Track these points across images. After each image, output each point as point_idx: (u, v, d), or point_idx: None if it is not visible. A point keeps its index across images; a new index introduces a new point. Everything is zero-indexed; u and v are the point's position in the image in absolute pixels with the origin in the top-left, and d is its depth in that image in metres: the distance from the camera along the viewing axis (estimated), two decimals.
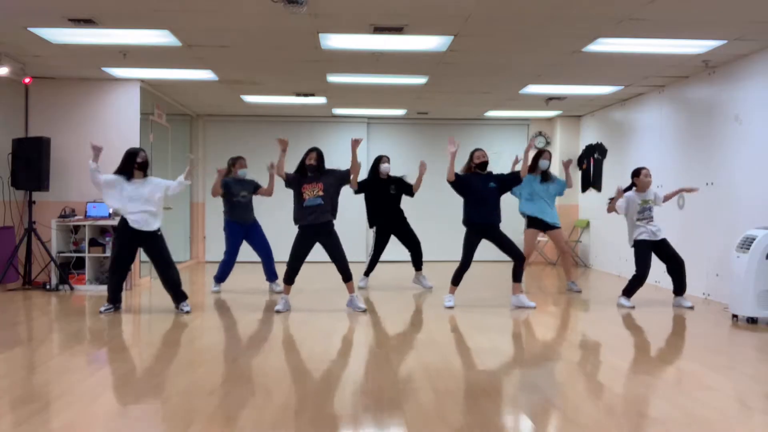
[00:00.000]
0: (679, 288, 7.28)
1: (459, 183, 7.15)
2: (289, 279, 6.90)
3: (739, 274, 6.41)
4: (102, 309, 6.78)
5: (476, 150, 7.28)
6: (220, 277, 8.38)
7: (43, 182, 8.37)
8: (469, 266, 7.18)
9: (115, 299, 6.85)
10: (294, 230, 7.08)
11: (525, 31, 6.51)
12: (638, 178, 7.27)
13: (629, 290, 7.33)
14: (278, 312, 6.79)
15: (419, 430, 3.48)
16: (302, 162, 6.88)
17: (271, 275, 8.37)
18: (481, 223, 7.11)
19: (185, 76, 8.76)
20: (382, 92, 9.85)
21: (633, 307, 7.22)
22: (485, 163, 7.20)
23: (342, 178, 6.86)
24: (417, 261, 8.65)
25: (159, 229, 6.82)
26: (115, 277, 6.85)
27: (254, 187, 8.23)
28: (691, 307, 7.17)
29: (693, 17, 5.97)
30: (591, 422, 3.63)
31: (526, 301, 7.21)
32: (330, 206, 6.75)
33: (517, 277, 7.25)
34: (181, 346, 5.59)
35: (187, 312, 6.80)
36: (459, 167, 7.35)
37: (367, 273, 8.78)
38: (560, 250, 8.72)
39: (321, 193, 6.67)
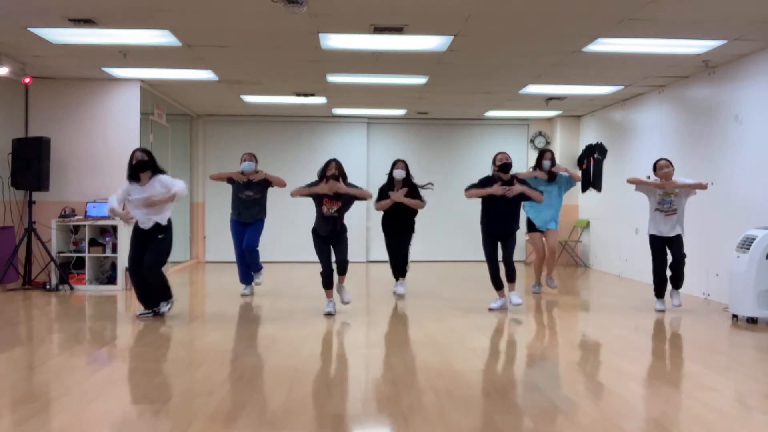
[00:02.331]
0: (675, 282, 7.09)
1: (477, 188, 7.00)
2: (325, 284, 6.72)
3: (739, 274, 6.41)
4: (138, 313, 6.53)
5: (498, 153, 7.06)
6: (242, 277, 8.06)
7: (43, 182, 8.37)
8: (497, 268, 7.01)
9: (147, 304, 6.53)
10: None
11: (525, 31, 6.51)
12: (655, 171, 7.04)
13: (655, 290, 7.12)
14: (330, 314, 6.62)
15: (419, 430, 3.48)
16: (324, 174, 6.64)
17: (253, 266, 8.03)
18: (495, 231, 7.01)
19: (185, 76, 8.76)
20: (382, 92, 9.84)
21: (663, 311, 6.98)
22: (507, 165, 6.93)
23: (357, 198, 6.79)
24: (398, 272, 8.13)
25: (164, 231, 6.52)
26: (133, 281, 6.59)
27: (265, 186, 7.95)
28: (678, 305, 7.02)
29: (693, 17, 5.97)
30: (591, 422, 3.63)
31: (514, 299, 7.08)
32: (342, 219, 6.75)
33: (509, 278, 7.05)
34: (181, 346, 5.59)
35: (137, 316, 6.48)
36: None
37: (396, 277, 8.15)
38: (548, 251, 8.28)
39: (337, 207, 6.61)
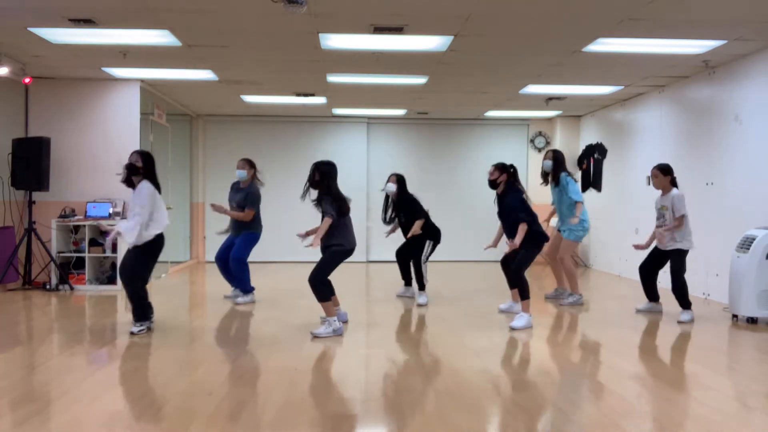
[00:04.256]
0: (677, 300, 6.68)
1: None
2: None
3: (739, 274, 6.41)
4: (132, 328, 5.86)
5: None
6: (226, 279, 7.70)
7: (43, 182, 8.37)
8: (505, 268, 6.79)
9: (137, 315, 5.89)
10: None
11: (525, 31, 6.51)
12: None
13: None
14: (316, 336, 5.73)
15: (419, 430, 3.48)
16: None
17: (237, 282, 7.57)
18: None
19: (185, 76, 8.76)
20: (382, 92, 9.85)
21: (642, 311, 7.03)
22: (491, 182, 6.54)
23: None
24: (408, 277, 8.00)
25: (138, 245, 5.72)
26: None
27: (243, 201, 7.38)
28: (682, 321, 6.54)
29: (693, 17, 5.97)
30: (591, 422, 3.63)
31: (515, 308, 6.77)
32: (330, 230, 5.76)
33: (511, 285, 6.81)
34: (181, 346, 5.58)
35: (131, 333, 5.75)
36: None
37: (406, 281, 8.04)
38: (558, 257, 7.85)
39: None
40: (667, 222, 6.64)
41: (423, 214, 7.56)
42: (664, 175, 6.69)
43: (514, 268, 6.46)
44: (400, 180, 7.64)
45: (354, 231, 5.98)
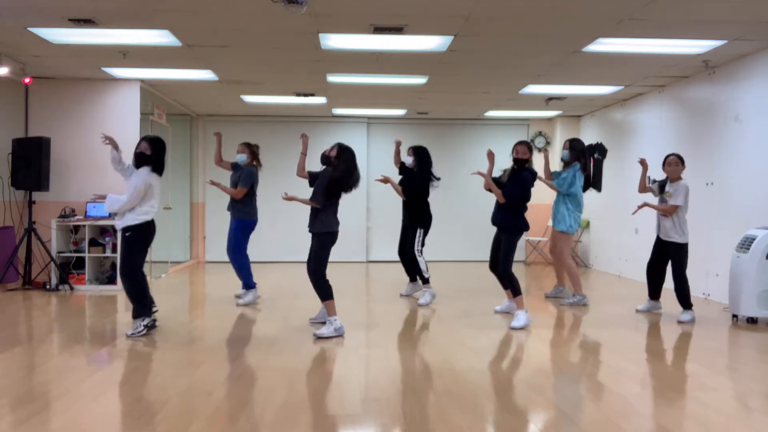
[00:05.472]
0: (678, 298, 6.72)
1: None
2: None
3: (739, 274, 6.41)
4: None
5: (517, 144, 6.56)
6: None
7: (43, 182, 8.37)
8: (493, 265, 6.77)
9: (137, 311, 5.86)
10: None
11: (525, 31, 6.51)
12: (663, 166, 6.77)
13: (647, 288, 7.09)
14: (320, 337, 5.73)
15: (419, 430, 3.48)
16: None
17: (240, 277, 7.53)
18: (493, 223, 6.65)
19: (185, 76, 8.77)
20: (382, 92, 9.85)
21: (642, 311, 7.09)
22: (521, 161, 6.46)
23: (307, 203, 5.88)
24: (407, 270, 8.12)
25: (127, 230, 5.73)
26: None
27: (236, 180, 7.37)
28: (683, 321, 6.59)
29: (693, 17, 5.97)
30: (591, 422, 3.63)
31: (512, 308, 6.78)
32: (316, 213, 5.81)
33: (504, 285, 6.76)
34: (181, 346, 5.58)
35: (127, 335, 5.72)
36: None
37: (411, 277, 8.13)
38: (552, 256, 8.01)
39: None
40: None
41: (419, 197, 7.65)
42: (683, 165, 6.72)
43: (501, 264, 6.47)
44: (417, 152, 7.70)
45: (338, 215, 5.93)
